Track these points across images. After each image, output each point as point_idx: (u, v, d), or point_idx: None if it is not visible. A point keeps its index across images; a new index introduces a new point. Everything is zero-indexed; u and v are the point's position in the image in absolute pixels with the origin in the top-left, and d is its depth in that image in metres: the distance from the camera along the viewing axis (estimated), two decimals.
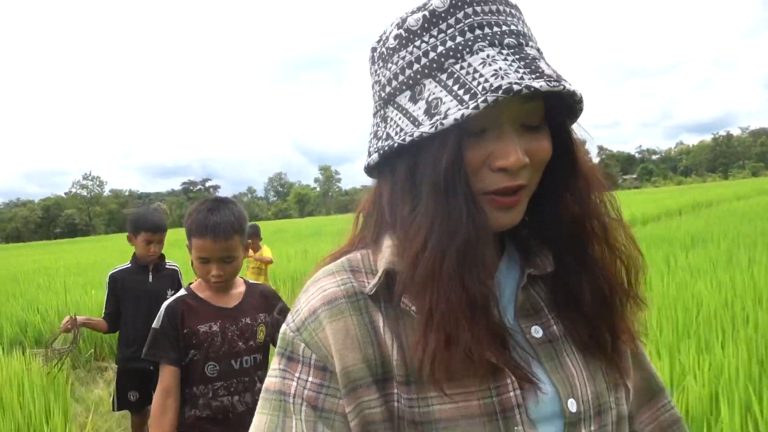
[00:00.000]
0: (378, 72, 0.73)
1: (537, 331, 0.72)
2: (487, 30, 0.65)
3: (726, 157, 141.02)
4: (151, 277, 3.51)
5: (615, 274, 0.74)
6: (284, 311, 2.12)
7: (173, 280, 3.57)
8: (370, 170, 0.74)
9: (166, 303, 2.05)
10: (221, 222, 1.92)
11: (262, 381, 2.00)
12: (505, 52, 0.64)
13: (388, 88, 0.71)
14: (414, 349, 0.65)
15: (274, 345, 1.94)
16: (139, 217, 3.52)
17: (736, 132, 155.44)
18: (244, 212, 2.05)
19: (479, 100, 0.60)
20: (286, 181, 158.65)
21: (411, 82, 0.68)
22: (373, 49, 0.74)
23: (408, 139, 0.65)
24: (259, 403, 0.70)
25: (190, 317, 1.99)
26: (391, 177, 0.70)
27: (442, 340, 0.63)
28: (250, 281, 2.22)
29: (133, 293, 3.46)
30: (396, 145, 0.67)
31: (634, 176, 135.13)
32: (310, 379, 0.68)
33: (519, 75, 0.61)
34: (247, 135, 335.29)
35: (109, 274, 3.54)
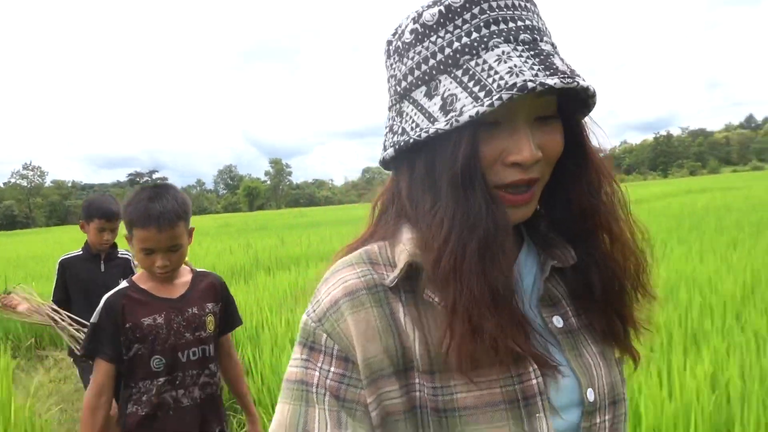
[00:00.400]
0: (394, 66, 0.74)
1: (558, 321, 0.74)
2: (502, 26, 0.66)
3: (666, 156, 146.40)
4: (102, 266, 3.40)
5: (624, 265, 0.75)
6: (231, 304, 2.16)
7: (125, 269, 3.46)
8: (386, 164, 0.75)
9: (105, 296, 1.95)
10: (164, 210, 1.83)
11: (212, 374, 1.99)
12: (520, 48, 0.65)
13: (404, 83, 0.72)
14: (440, 339, 0.66)
15: (222, 334, 2.07)
16: (92, 203, 3.37)
17: (676, 132, 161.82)
18: (186, 196, 1.96)
19: (494, 98, 0.61)
20: (236, 173, 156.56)
21: (427, 77, 0.69)
22: (389, 43, 0.75)
23: (423, 135, 0.66)
24: (282, 392, 0.71)
25: (132, 310, 1.90)
26: (409, 172, 0.71)
27: (467, 331, 0.64)
28: (198, 269, 2.12)
29: (83, 281, 3.34)
30: (411, 140, 0.68)
31: None
32: (333, 369, 0.68)
33: (534, 72, 0.62)
34: (198, 126, 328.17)
35: (59, 260, 3.42)
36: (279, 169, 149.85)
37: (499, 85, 0.62)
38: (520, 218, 0.70)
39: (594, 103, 0.71)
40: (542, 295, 0.74)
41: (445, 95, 0.66)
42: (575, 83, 0.63)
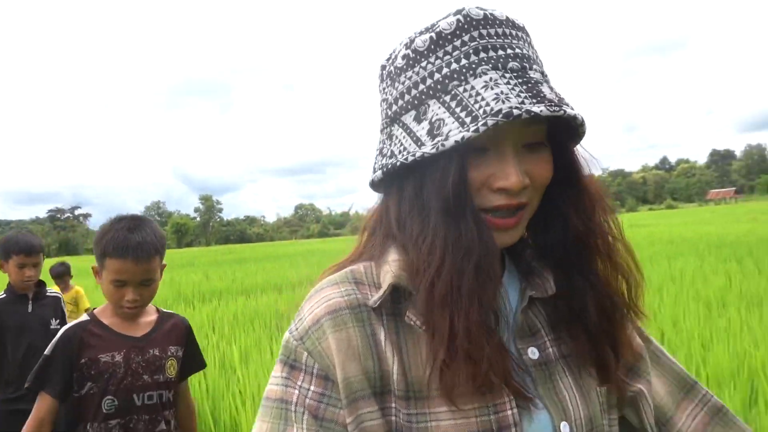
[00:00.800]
0: (386, 90, 0.75)
1: (534, 353, 0.72)
2: (491, 53, 0.67)
3: None
4: (30, 306, 3.18)
5: (617, 289, 0.75)
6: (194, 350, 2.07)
7: (56, 308, 3.28)
8: (375, 186, 0.76)
9: (63, 329, 1.86)
10: (143, 242, 1.79)
11: (168, 422, 1.90)
12: (508, 75, 0.66)
13: (394, 107, 0.73)
14: (419, 364, 0.67)
15: (184, 378, 1.98)
16: (9, 240, 3.18)
17: (597, 172, 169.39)
18: (162, 231, 1.94)
19: (479, 123, 0.62)
20: (164, 210, 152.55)
21: (416, 102, 0.70)
22: (382, 67, 0.76)
23: (410, 158, 0.67)
24: (260, 410, 0.70)
25: (90, 346, 1.81)
26: (398, 194, 0.72)
27: (460, 357, 0.64)
28: (164, 310, 2.04)
29: (12, 326, 3.10)
30: (398, 163, 0.69)
31: None
32: (312, 388, 0.67)
33: (520, 99, 0.63)
34: (124, 161, 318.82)
35: None
36: (209, 206, 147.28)
37: (485, 111, 0.63)
38: (505, 243, 0.70)
39: (584, 132, 0.71)
40: (520, 326, 0.73)
41: (433, 120, 0.67)
42: (562, 111, 0.63)
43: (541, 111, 0.62)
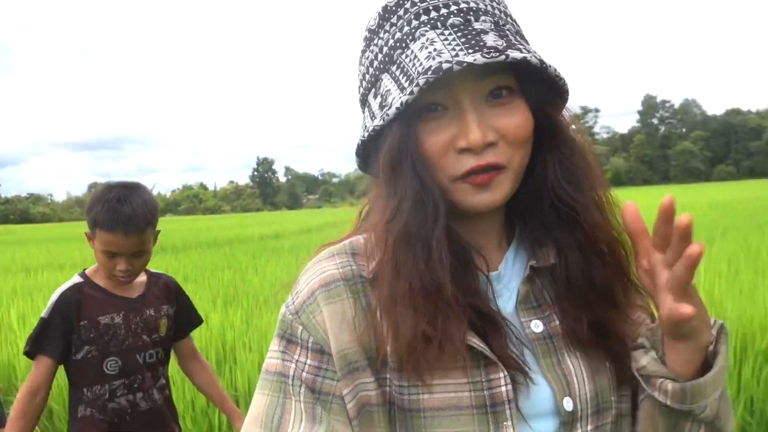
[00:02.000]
0: (358, 74, 0.75)
1: (537, 326, 0.70)
2: (433, 14, 0.66)
3: None
4: None
5: (610, 258, 0.71)
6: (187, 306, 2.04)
7: None
8: (363, 169, 0.77)
9: (59, 290, 1.81)
10: (134, 214, 1.73)
11: (166, 377, 1.93)
12: (447, 32, 0.64)
13: (361, 89, 0.74)
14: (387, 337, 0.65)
15: (175, 340, 1.98)
16: None
17: None
18: (155, 199, 1.88)
19: (413, 85, 0.61)
20: None
21: (373, 79, 0.70)
22: (359, 51, 0.75)
23: (366, 135, 0.68)
24: (259, 383, 0.70)
25: (88, 307, 1.78)
26: (373, 169, 0.72)
27: (397, 328, 0.63)
28: (152, 270, 2.00)
29: None
30: (360, 143, 0.70)
31: (317, 196, 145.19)
32: (308, 361, 0.67)
33: (454, 53, 0.61)
34: None
35: None
36: None
37: (418, 72, 0.62)
38: (486, 203, 0.67)
39: (564, 86, 0.67)
40: (522, 298, 0.71)
41: (383, 92, 0.67)
42: (502, 56, 0.59)
43: (475, 60, 0.59)
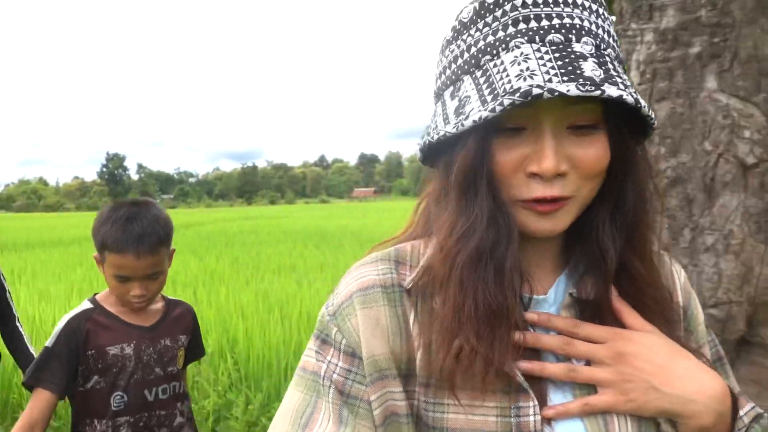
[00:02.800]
0: (438, 63, 0.72)
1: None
2: (532, 24, 0.61)
3: (252, 185, 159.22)
4: None
5: (647, 303, 0.70)
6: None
7: None
8: (424, 163, 0.73)
9: (66, 318, 1.69)
10: (144, 233, 1.61)
11: (183, 414, 1.77)
12: (543, 49, 0.60)
13: (438, 82, 0.71)
14: (435, 351, 0.65)
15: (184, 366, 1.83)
16: None
17: (262, 164, 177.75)
18: (168, 215, 1.74)
19: (497, 103, 0.58)
20: None
21: (454, 77, 0.67)
22: (443, 37, 0.72)
23: (435, 137, 0.65)
24: (295, 379, 0.70)
25: (97, 336, 1.66)
26: (437, 173, 0.70)
27: (447, 346, 0.63)
28: (169, 297, 1.87)
29: None
30: (427, 143, 0.67)
31: (171, 196, 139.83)
32: (340, 363, 0.67)
33: (548, 77, 0.57)
34: None
35: None
36: None
37: (505, 90, 0.58)
38: (546, 231, 0.65)
39: (652, 120, 0.63)
40: None
41: (462, 96, 0.64)
42: (598, 92, 0.56)
43: (568, 91, 0.55)
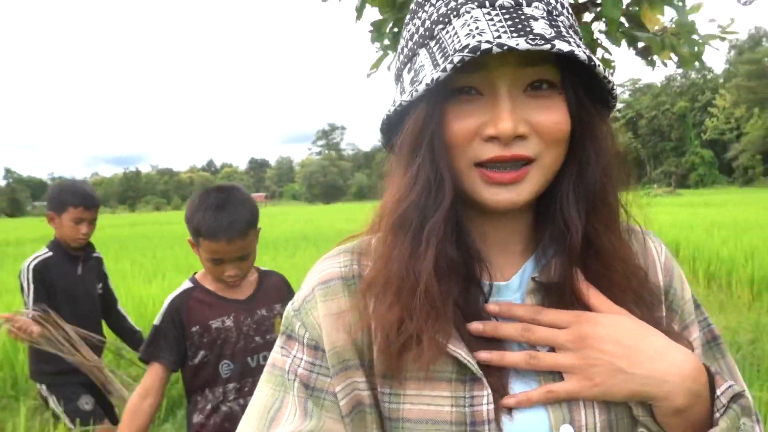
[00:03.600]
0: (399, 47, 0.71)
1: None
2: None
3: (135, 191, 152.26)
4: (80, 268, 2.76)
5: (621, 283, 0.68)
6: None
7: (99, 272, 2.89)
8: (386, 148, 0.72)
9: (170, 297, 1.85)
10: (234, 220, 1.74)
11: None
12: (494, 12, 0.60)
13: (397, 63, 0.70)
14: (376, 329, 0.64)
15: None
16: (65, 189, 2.72)
17: (146, 169, 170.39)
18: (253, 199, 1.87)
19: (447, 62, 0.57)
20: None
21: (411, 54, 0.67)
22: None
23: (392, 110, 0.64)
24: (264, 376, 0.71)
25: (199, 313, 1.82)
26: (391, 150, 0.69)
27: (385, 320, 0.62)
28: (262, 268, 2.02)
29: (62, 290, 2.67)
30: (385, 117, 0.66)
31: (45, 203, 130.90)
32: (304, 357, 0.68)
33: (497, 34, 0.57)
34: None
35: (28, 265, 2.67)
36: None
37: (454, 49, 0.58)
38: (507, 203, 0.63)
39: (610, 82, 0.62)
40: None
41: (417, 68, 0.63)
42: (548, 45, 0.55)
43: (518, 45, 0.54)
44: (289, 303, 0.73)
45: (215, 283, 1.86)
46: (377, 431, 0.67)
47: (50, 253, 2.70)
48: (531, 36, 0.57)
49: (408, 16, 0.70)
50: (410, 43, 0.68)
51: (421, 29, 0.66)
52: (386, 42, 3.78)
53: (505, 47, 0.55)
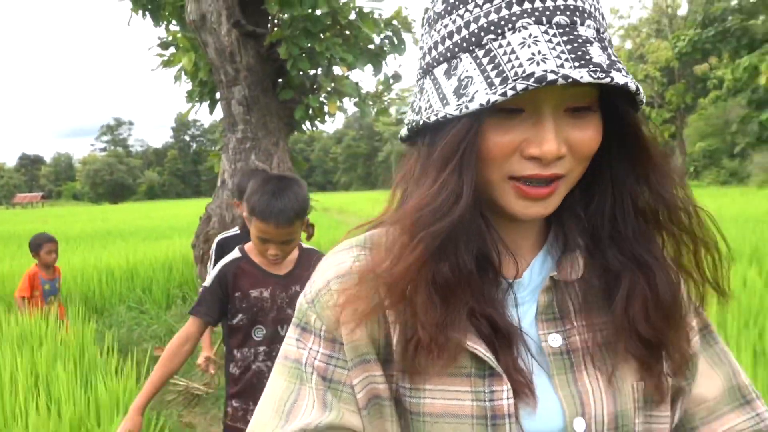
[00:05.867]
0: (424, 37, 0.70)
1: (555, 340, 0.69)
2: (537, 3, 0.61)
3: None
4: None
5: (696, 267, 0.70)
6: None
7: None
8: (404, 141, 0.73)
9: (220, 263, 2.12)
10: (284, 209, 1.93)
11: None
12: (551, 32, 0.60)
13: (428, 57, 0.69)
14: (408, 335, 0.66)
15: None
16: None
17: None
18: (307, 192, 2.05)
19: (508, 87, 0.57)
20: None
21: (449, 54, 0.65)
22: (426, 10, 0.71)
23: (432, 118, 0.64)
24: (277, 368, 0.72)
25: (242, 281, 2.07)
26: (418, 150, 0.69)
27: (410, 324, 0.64)
28: (304, 246, 2.21)
29: None
30: (422, 122, 0.66)
31: None
32: (321, 350, 0.69)
33: (559, 62, 0.57)
34: None
35: (217, 239, 2.88)
36: None
37: (516, 73, 0.58)
38: (533, 215, 0.66)
39: (642, 101, 0.64)
40: (541, 308, 0.70)
41: (462, 77, 0.63)
42: (608, 79, 0.57)
43: (581, 78, 0.56)
44: (301, 295, 0.74)
45: (260, 257, 2.09)
46: (396, 424, 0.68)
47: (239, 233, 2.83)
48: (592, 66, 0.57)
49: (440, 7, 0.67)
50: (448, 42, 0.65)
51: (465, 31, 0.64)
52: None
53: (570, 80, 0.56)
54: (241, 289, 2.07)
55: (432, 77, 0.68)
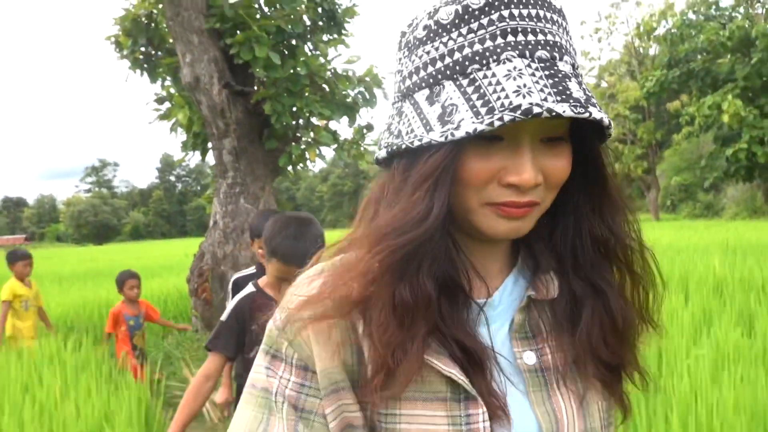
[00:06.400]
0: (402, 61, 0.71)
1: (530, 357, 0.70)
2: (520, 37, 0.63)
3: None
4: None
5: (632, 300, 0.74)
6: None
7: None
8: (379, 163, 0.73)
9: (236, 298, 2.16)
10: (307, 252, 1.82)
11: None
12: (534, 65, 0.62)
13: (408, 82, 0.69)
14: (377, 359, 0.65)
15: None
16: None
17: None
18: (322, 230, 2.10)
19: (495, 117, 0.59)
20: None
21: (431, 80, 0.66)
22: (402, 34, 0.72)
23: (416, 143, 0.64)
24: (245, 397, 0.70)
25: (258, 315, 1.95)
26: (392, 173, 0.69)
27: (378, 345, 0.64)
28: None
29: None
30: (404, 146, 0.66)
31: None
32: (292, 378, 0.68)
33: (543, 96, 0.60)
34: None
35: (233, 278, 3.05)
36: None
37: (503, 104, 0.60)
38: (512, 233, 0.68)
39: (610, 134, 0.68)
40: (517, 327, 0.72)
41: (446, 104, 0.64)
42: (587, 114, 0.60)
43: (564, 112, 0.59)
44: (271, 321, 0.72)
45: (275, 290, 2.16)
46: None
47: (255, 272, 2.90)
48: (572, 101, 0.60)
49: (423, 33, 0.68)
50: (430, 68, 0.66)
51: (448, 59, 0.65)
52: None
53: (553, 113, 0.58)
54: (257, 323, 1.95)
55: (413, 101, 0.68)
